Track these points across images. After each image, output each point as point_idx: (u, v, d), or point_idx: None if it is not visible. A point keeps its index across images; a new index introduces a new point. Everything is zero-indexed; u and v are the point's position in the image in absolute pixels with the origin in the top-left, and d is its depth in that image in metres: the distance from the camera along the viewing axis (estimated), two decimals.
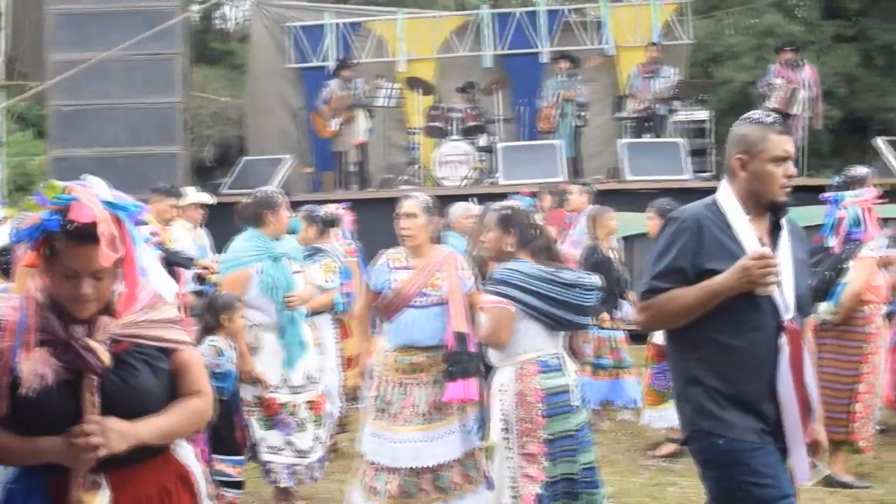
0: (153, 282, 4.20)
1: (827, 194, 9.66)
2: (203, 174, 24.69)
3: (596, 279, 7.08)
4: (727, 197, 5.04)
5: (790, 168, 4.95)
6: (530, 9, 23.44)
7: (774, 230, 5.05)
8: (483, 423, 7.26)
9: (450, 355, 7.85)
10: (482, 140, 19.93)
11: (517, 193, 12.05)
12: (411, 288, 7.89)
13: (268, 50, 23.63)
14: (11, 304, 3.90)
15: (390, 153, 21.77)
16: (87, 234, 3.77)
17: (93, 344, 3.86)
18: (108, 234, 3.78)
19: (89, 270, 3.83)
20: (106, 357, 3.87)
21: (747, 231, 4.92)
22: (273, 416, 8.54)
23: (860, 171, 11.13)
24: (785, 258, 4.95)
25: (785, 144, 4.96)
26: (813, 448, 5.05)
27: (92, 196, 3.83)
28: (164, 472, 4.17)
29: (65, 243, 3.79)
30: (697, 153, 20.52)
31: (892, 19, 29.35)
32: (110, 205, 3.87)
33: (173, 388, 4.15)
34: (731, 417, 4.87)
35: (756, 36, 27.84)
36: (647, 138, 19.95)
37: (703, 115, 21.08)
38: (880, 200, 9.52)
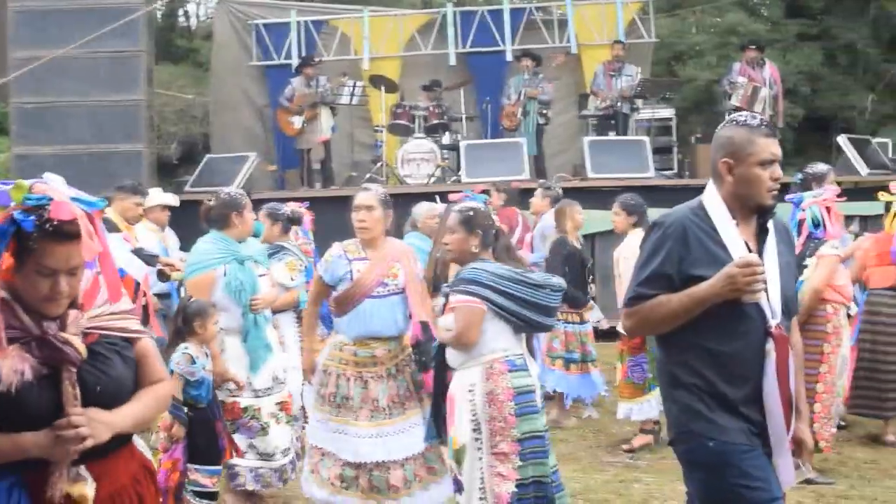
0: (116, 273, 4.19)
1: (789, 195, 9.68)
2: (167, 172, 24.60)
3: (561, 281, 7.07)
4: (713, 201, 5.01)
5: (777, 171, 4.92)
6: (495, 7, 23.43)
7: (761, 233, 5.00)
8: (437, 424, 7.22)
9: (419, 345, 7.89)
10: (446, 138, 19.91)
11: (470, 190, 12.13)
12: (372, 278, 7.89)
13: (232, 47, 23.52)
14: None
15: (355, 151, 21.74)
16: (66, 232, 3.81)
17: (69, 337, 3.91)
18: (87, 230, 3.82)
19: (67, 268, 3.88)
20: (83, 349, 3.93)
21: (734, 237, 4.88)
22: (235, 419, 8.48)
23: (819, 168, 11.17)
24: (771, 262, 4.91)
25: (772, 147, 4.92)
26: (798, 448, 5.04)
27: (62, 194, 3.85)
28: (132, 463, 4.23)
29: (41, 242, 3.80)
30: (661, 151, 20.62)
31: (855, 18, 29.53)
32: (78, 201, 3.88)
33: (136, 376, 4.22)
34: (720, 419, 4.84)
35: (720, 34, 27.97)
36: (611, 136, 19.97)
37: (666, 113, 21.20)
38: (841, 198, 9.55)
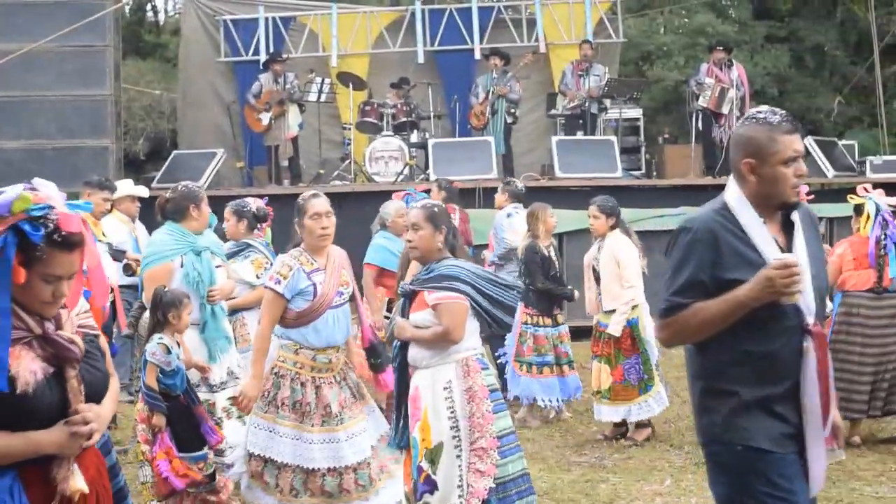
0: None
1: None
2: (135, 167, 24.59)
3: (518, 282, 7.11)
4: (739, 201, 4.86)
5: (801, 167, 4.80)
6: (464, 5, 23.43)
7: (787, 227, 4.89)
8: (403, 428, 7.16)
9: (372, 348, 7.89)
10: (414, 136, 19.90)
11: (413, 188, 12.14)
12: (332, 289, 7.81)
13: (200, 43, 23.43)
14: None
15: (323, 148, 21.65)
16: (73, 242, 3.95)
17: (73, 336, 4.07)
18: (90, 238, 4.03)
19: (70, 273, 4.02)
20: (83, 346, 4.07)
21: (765, 236, 4.77)
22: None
23: None
24: (803, 257, 4.78)
25: (795, 144, 4.79)
26: (833, 433, 4.91)
27: (61, 202, 3.97)
28: (94, 456, 4.27)
29: (49, 252, 3.89)
30: (629, 151, 20.68)
31: (822, 21, 29.69)
32: (72, 206, 4.01)
33: None
34: (752, 424, 4.75)
35: (688, 35, 28.05)
36: (579, 136, 19.98)
37: (634, 113, 21.20)
38: (807, 198, 9.54)
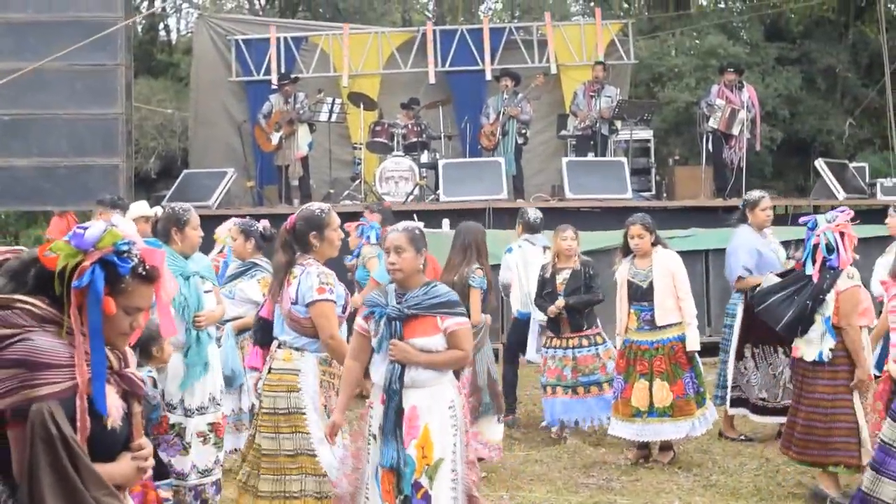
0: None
1: (803, 219, 9.60)
2: (146, 186, 24.57)
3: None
4: None
5: None
6: (475, 26, 23.52)
7: None
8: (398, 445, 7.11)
9: None
10: (425, 156, 19.91)
11: (365, 218, 12.24)
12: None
13: (212, 63, 23.55)
14: (60, 342, 3.87)
15: (333, 168, 21.67)
16: (155, 275, 4.07)
17: (137, 372, 4.19)
18: (167, 273, 4.16)
19: (148, 305, 4.13)
20: (144, 382, 4.27)
21: None
22: (160, 434, 8.36)
23: (753, 194, 11.65)
24: None
25: None
26: None
27: (139, 238, 4.10)
28: (151, 488, 4.52)
29: (133, 284, 4.01)
30: (639, 172, 20.69)
31: (834, 43, 29.64)
32: (148, 243, 4.16)
33: None
34: None
35: (699, 57, 27.99)
36: (589, 157, 20.00)
37: (645, 134, 21.21)
38: (855, 221, 9.44)
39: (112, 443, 3.97)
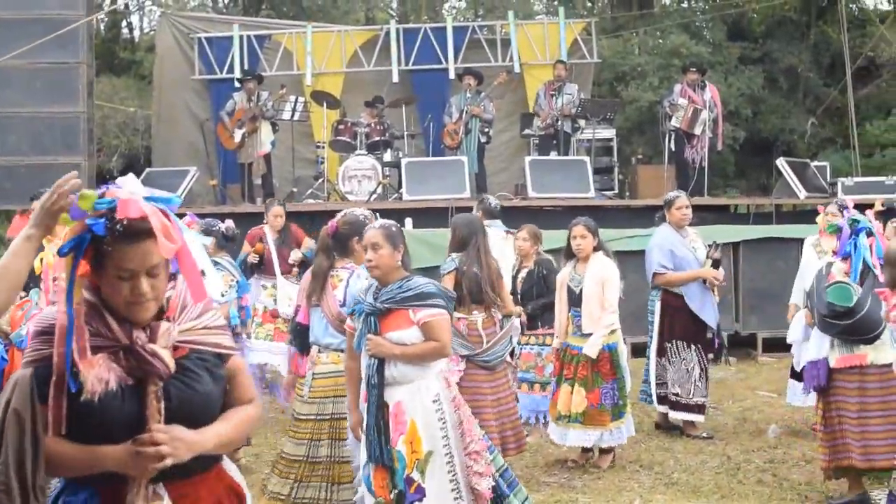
0: (207, 282, 4.06)
1: (840, 222, 9.36)
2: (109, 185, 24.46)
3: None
4: None
5: None
6: (438, 25, 23.53)
7: None
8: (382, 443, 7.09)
9: None
10: (388, 155, 19.86)
11: None
12: None
13: (175, 61, 23.45)
14: (62, 310, 3.74)
15: (297, 167, 21.62)
16: (139, 231, 3.71)
17: (158, 349, 3.80)
18: (161, 226, 3.72)
19: (145, 267, 3.76)
20: (171, 362, 3.81)
21: None
22: None
23: (670, 194, 12.00)
24: None
25: None
26: None
27: (131, 193, 3.77)
28: (218, 486, 4.09)
29: (115, 245, 3.71)
30: (602, 171, 20.74)
31: (796, 43, 29.78)
32: (151, 199, 3.81)
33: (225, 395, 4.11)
34: None
35: (662, 56, 28.06)
36: (552, 156, 20.03)
37: (608, 133, 21.28)
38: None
39: (101, 421, 3.71)
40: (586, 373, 10.45)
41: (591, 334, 10.44)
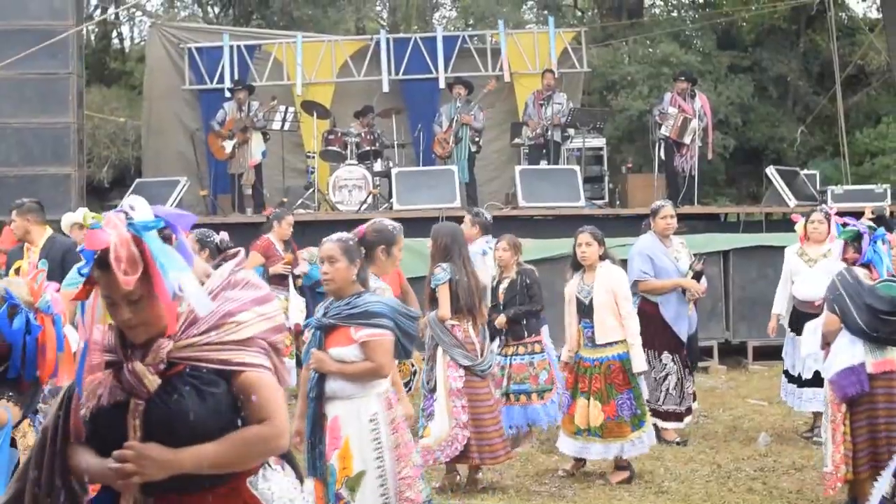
0: (224, 301, 4.06)
1: (859, 226, 9.25)
2: (99, 195, 24.49)
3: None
4: None
5: None
6: (428, 34, 23.54)
7: None
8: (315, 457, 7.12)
9: None
10: (378, 165, 19.87)
11: None
12: None
13: (165, 71, 23.44)
14: (81, 332, 3.96)
15: (287, 177, 21.61)
16: (106, 261, 3.74)
17: (138, 367, 3.85)
18: (121, 258, 3.72)
19: (119, 295, 3.80)
20: (150, 381, 3.85)
21: None
22: None
23: (656, 203, 11.98)
24: None
25: None
26: None
27: (115, 220, 3.79)
28: (231, 502, 4.04)
29: (96, 272, 3.83)
30: (592, 180, 20.75)
31: (785, 52, 29.83)
32: (132, 226, 3.80)
33: (239, 412, 4.03)
34: None
35: (652, 65, 28.09)
36: (542, 165, 20.05)
37: (598, 142, 21.29)
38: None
39: (98, 434, 3.91)
40: (600, 385, 10.33)
41: (604, 345, 10.34)
